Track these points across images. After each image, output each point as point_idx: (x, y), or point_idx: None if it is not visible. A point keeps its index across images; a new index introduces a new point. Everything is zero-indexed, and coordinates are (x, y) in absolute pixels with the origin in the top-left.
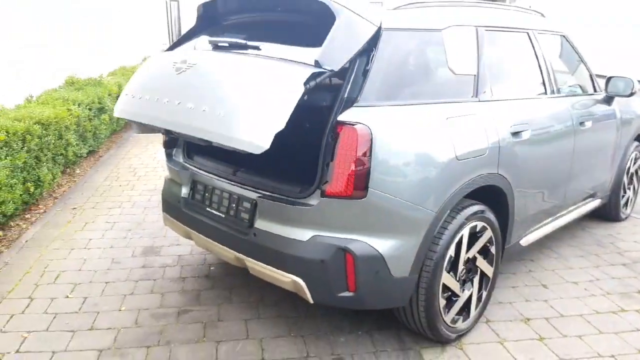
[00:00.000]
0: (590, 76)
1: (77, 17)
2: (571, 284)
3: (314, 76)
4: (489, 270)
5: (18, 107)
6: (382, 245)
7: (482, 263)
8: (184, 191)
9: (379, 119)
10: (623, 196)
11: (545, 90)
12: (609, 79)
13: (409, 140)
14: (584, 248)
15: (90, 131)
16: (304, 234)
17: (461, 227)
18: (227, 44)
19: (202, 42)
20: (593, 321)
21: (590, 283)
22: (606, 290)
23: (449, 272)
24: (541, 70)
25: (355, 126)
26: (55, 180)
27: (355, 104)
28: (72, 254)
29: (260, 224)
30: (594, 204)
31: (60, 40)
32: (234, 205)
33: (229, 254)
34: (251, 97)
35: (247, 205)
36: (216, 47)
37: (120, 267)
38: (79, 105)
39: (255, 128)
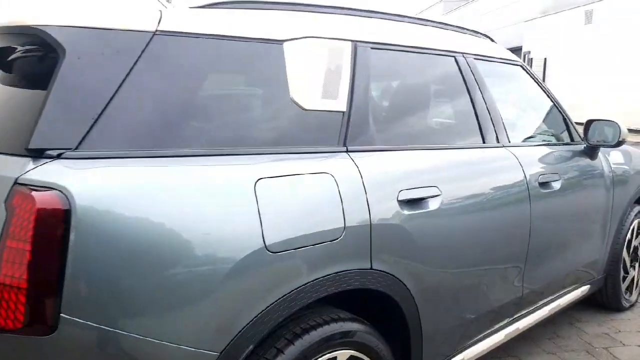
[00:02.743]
0: (565, 121)
1: None
2: None
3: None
4: None
5: None
6: None
7: None
8: None
9: (104, 182)
10: (625, 277)
11: (483, 138)
12: (588, 124)
13: (159, 219)
14: (567, 357)
15: None
16: None
17: None
18: None
19: None
20: None
21: None
22: None
23: None
24: (475, 111)
25: (35, 193)
26: None
27: (64, 154)
28: None
29: None
30: (579, 292)
31: None
32: None
33: None
34: None
35: None
36: None
37: None
38: None
39: None
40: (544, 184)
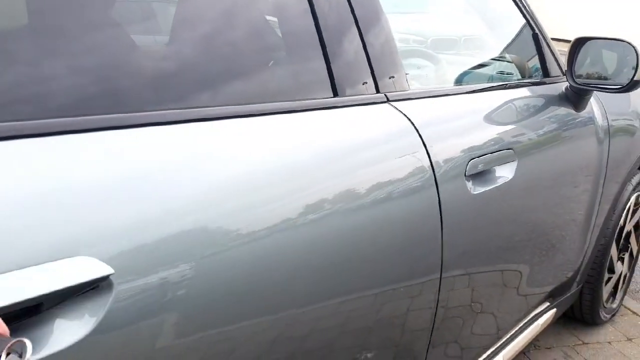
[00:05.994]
0: (536, 38)
1: None
2: None
3: None
4: None
5: None
6: None
7: None
8: None
9: None
10: (608, 280)
11: (333, 84)
12: (577, 46)
13: None
14: None
15: None
16: None
17: None
18: None
19: None
20: None
21: None
22: None
23: None
24: (315, 19)
25: None
26: None
27: None
28: None
29: None
30: (538, 325)
31: None
32: None
33: None
34: None
35: None
36: None
37: None
38: None
39: None
40: (477, 177)
